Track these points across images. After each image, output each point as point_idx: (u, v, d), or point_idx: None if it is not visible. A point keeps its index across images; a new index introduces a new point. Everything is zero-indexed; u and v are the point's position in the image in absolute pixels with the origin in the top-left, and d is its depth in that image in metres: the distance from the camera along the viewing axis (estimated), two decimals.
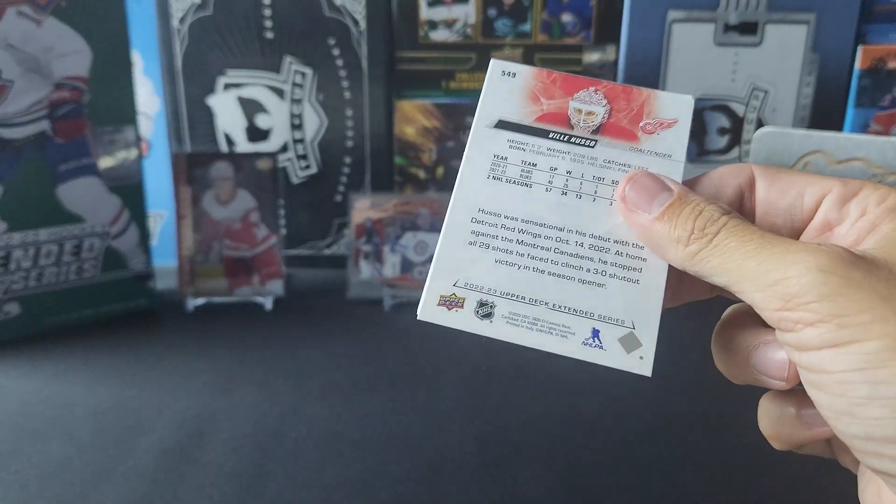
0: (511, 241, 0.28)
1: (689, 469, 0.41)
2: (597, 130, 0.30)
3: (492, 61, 0.31)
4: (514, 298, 0.27)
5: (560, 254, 0.28)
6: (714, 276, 0.25)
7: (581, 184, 0.29)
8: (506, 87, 0.31)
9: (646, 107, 0.31)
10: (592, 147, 0.30)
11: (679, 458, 0.42)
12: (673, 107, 0.32)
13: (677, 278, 0.28)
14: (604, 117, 0.30)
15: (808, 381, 0.24)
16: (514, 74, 0.31)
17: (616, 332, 0.27)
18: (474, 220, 0.28)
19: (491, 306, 0.26)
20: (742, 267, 0.24)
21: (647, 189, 0.27)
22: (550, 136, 0.30)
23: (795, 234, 0.27)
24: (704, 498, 0.39)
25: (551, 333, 0.27)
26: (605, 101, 0.31)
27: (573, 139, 0.30)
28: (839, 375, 0.22)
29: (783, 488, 0.39)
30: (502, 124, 0.30)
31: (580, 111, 0.31)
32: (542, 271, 0.28)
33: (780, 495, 0.38)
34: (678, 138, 0.30)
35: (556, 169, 0.29)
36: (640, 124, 0.30)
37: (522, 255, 0.28)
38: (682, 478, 0.40)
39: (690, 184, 0.28)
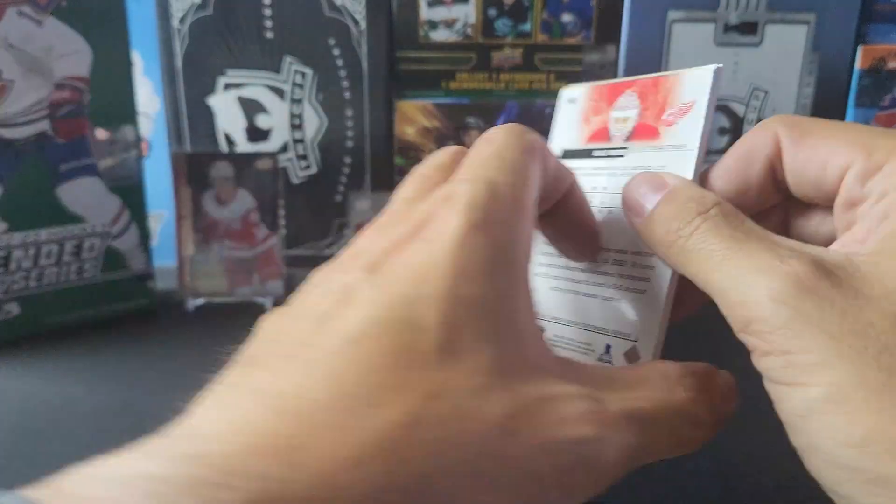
0: (559, 266, 0.28)
1: (688, 469, 0.41)
2: (629, 136, 0.28)
3: (560, 90, 0.30)
4: (557, 322, 0.27)
5: (592, 273, 0.28)
6: (697, 282, 0.23)
7: (613, 198, 0.28)
8: (569, 113, 0.31)
9: (670, 95, 0.29)
10: (623, 156, 0.28)
11: (679, 458, 0.42)
12: (691, 86, 0.30)
13: (686, 283, 0.27)
14: (635, 120, 0.29)
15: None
16: (575, 99, 0.31)
17: (623, 346, 0.27)
18: (539, 252, 0.28)
19: (541, 331, 0.27)
20: (709, 279, 0.22)
21: (641, 190, 0.26)
22: (593, 154, 0.29)
23: (830, 203, 0.25)
24: (704, 498, 0.39)
25: (577, 351, 0.27)
26: (637, 102, 0.29)
27: (610, 152, 0.29)
28: (784, 416, 0.20)
29: (784, 488, 0.39)
30: (566, 154, 0.30)
31: (617, 119, 0.29)
32: (578, 293, 0.28)
33: (780, 495, 0.38)
34: (693, 123, 0.27)
35: (595, 188, 0.29)
36: (663, 117, 0.28)
37: (566, 279, 0.28)
38: (683, 477, 0.40)
39: (716, 170, 0.27)
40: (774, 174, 0.26)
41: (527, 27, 0.65)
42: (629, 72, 0.64)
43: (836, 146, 0.24)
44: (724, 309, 0.22)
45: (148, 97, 0.67)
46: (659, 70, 0.64)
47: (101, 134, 0.56)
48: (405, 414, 0.17)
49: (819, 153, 0.24)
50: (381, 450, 0.16)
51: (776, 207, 0.27)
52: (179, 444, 0.17)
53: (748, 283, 0.21)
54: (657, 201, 0.25)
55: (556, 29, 0.64)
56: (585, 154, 0.29)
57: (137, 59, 0.65)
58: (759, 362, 0.21)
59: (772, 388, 0.21)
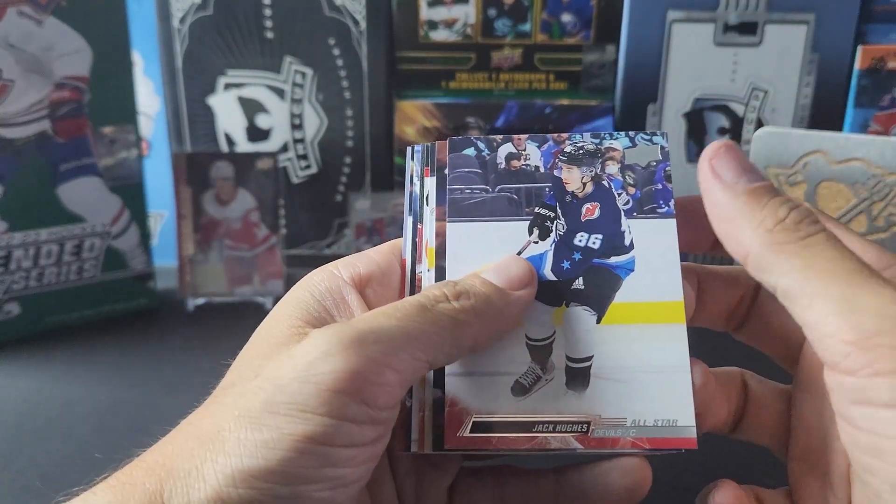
0: None
1: (688, 468, 0.41)
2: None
3: None
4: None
5: None
6: (782, 276, 0.22)
7: None
8: None
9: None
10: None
11: (678, 458, 0.42)
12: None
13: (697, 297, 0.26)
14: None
15: (861, 446, 0.20)
16: None
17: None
18: None
19: None
20: (824, 279, 0.21)
21: (739, 162, 0.25)
22: None
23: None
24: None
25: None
26: None
27: None
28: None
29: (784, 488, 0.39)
30: None
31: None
32: None
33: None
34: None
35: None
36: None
37: None
38: (681, 477, 0.40)
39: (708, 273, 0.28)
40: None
41: (526, 27, 0.65)
42: (629, 71, 0.64)
43: (849, 244, 0.23)
44: (833, 316, 0.20)
45: (148, 97, 0.67)
46: (658, 70, 0.64)
47: (108, 131, 0.56)
48: None
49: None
50: None
51: None
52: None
53: (891, 297, 0.20)
54: (761, 182, 0.24)
55: (556, 29, 0.64)
56: None
57: (137, 58, 0.65)
58: (871, 382, 0.19)
59: (880, 415, 0.19)
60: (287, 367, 0.23)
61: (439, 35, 0.65)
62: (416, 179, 0.30)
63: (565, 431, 0.27)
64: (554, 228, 0.28)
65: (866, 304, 0.20)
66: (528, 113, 0.65)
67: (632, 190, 0.28)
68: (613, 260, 0.28)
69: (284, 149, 0.68)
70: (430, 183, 0.30)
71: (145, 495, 0.21)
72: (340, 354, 0.22)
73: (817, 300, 0.21)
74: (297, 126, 0.67)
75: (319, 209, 0.69)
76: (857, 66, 0.61)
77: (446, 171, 0.30)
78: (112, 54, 0.55)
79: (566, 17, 0.64)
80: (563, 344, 0.27)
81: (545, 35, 0.65)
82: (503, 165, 0.29)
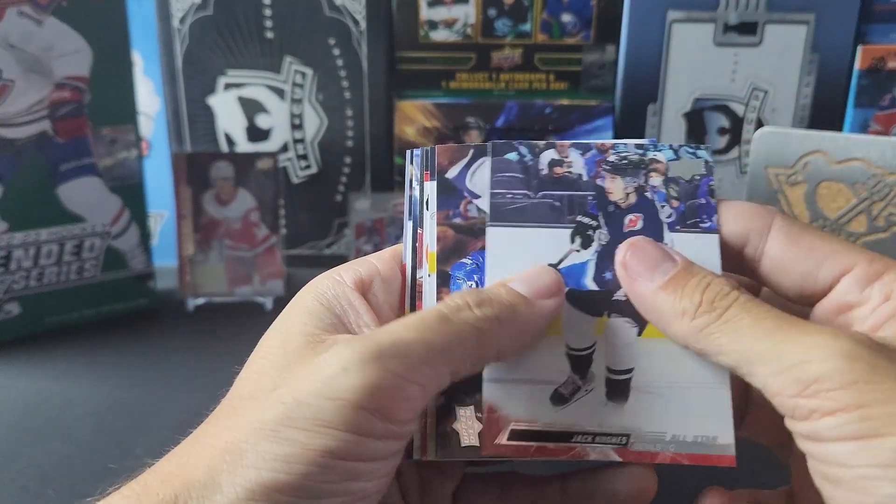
0: None
1: (686, 468, 0.41)
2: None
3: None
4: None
5: None
6: (720, 356, 0.24)
7: None
8: None
9: None
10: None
11: None
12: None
13: None
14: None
15: (820, 475, 0.22)
16: None
17: None
18: None
19: None
20: (754, 348, 0.22)
21: (649, 255, 0.26)
22: None
23: (803, 301, 0.26)
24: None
25: None
26: None
27: None
28: (860, 470, 0.20)
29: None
30: None
31: None
32: None
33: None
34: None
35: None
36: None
37: None
38: (681, 478, 0.40)
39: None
40: (744, 248, 0.27)
41: (526, 27, 0.65)
42: (629, 71, 0.64)
43: (835, 249, 0.25)
44: (773, 377, 0.22)
45: (148, 97, 0.67)
46: (658, 70, 0.64)
47: (108, 131, 0.56)
48: None
49: (815, 251, 0.25)
50: None
51: None
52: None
53: (811, 343, 0.21)
54: (673, 271, 0.25)
55: (556, 29, 0.64)
56: None
57: (137, 59, 0.65)
58: (820, 423, 0.21)
59: (833, 449, 0.21)
60: (307, 381, 0.23)
61: (439, 35, 0.65)
62: (415, 183, 0.30)
63: (605, 443, 0.27)
64: (596, 238, 0.28)
65: (794, 357, 0.21)
66: (528, 113, 0.65)
67: (675, 203, 0.28)
68: None
69: (284, 149, 0.68)
70: (431, 187, 0.29)
71: None
72: (361, 370, 0.22)
73: (755, 367, 0.22)
74: (297, 126, 0.67)
75: (319, 209, 0.69)
76: (857, 66, 0.61)
77: (447, 176, 0.30)
78: (112, 54, 0.55)
79: (566, 17, 0.64)
80: (604, 355, 0.27)
81: (545, 35, 0.65)
82: (546, 171, 0.29)
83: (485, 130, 0.66)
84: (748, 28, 0.61)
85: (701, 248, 0.27)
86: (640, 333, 0.27)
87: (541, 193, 0.29)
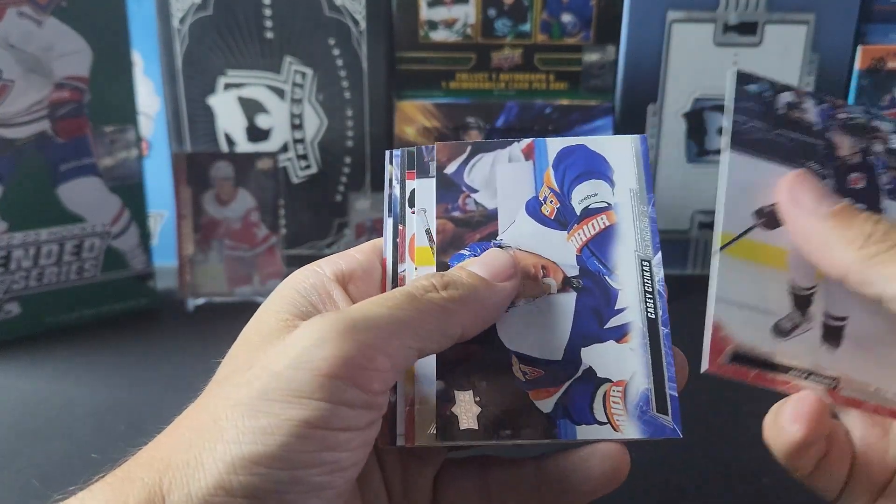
0: None
1: (688, 468, 0.41)
2: None
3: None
4: None
5: None
6: (887, 283, 0.24)
7: None
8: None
9: None
10: None
11: (678, 458, 0.42)
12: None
13: None
14: None
15: None
16: None
17: None
18: None
19: None
20: None
21: (816, 188, 0.27)
22: None
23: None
24: (704, 498, 0.39)
25: None
26: None
27: None
28: None
29: (784, 488, 0.39)
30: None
31: None
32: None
33: (780, 495, 0.38)
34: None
35: None
36: None
37: None
38: (681, 477, 0.40)
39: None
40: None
41: (526, 27, 0.65)
42: (629, 71, 0.64)
43: None
44: None
45: (148, 97, 0.67)
46: (658, 70, 0.64)
47: (108, 131, 0.56)
48: None
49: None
50: None
51: None
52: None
53: None
54: (840, 204, 0.26)
55: (556, 29, 0.65)
56: None
57: (137, 59, 0.65)
58: None
59: None
60: (281, 356, 0.23)
61: (439, 35, 0.65)
62: (395, 183, 0.32)
63: (817, 383, 0.28)
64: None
65: None
66: (528, 113, 0.65)
67: (894, 173, 0.29)
68: None
69: (284, 149, 0.68)
70: (419, 185, 0.31)
71: (144, 490, 0.22)
72: (334, 341, 0.23)
73: None
74: (297, 126, 0.67)
75: (319, 209, 0.69)
76: (857, 66, 0.61)
77: (446, 172, 0.31)
78: (112, 54, 0.55)
79: (566, 18, 0.64)
80: (824, 298, 0.28)
81: (545, 35, 0.65)
82: (783, 111, 0.30)
83: (485, 130, 0.66)
84: (748, 28, 0.61)
85: None
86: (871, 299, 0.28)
87: (777, 131, 0.29)
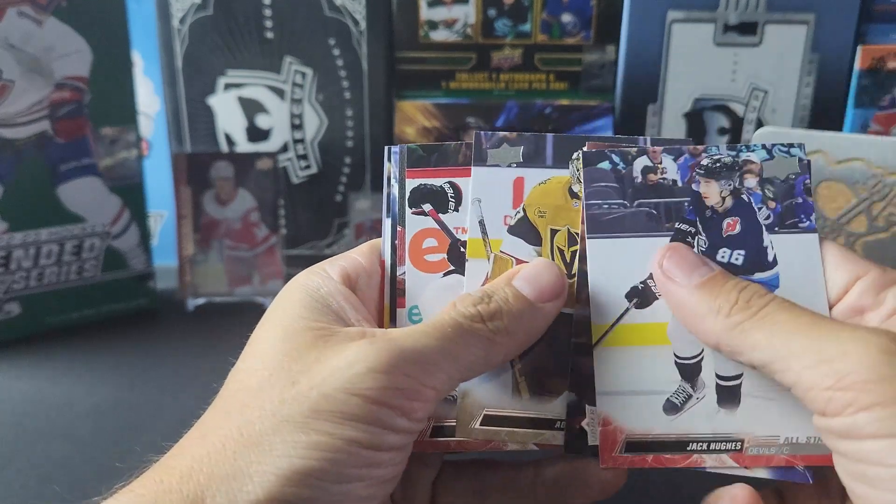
0: None
1: (688, 469, 0.41)
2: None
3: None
4: None
5: None
6: (753, 352, 0.24)
7: None
8: None
9: None
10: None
11: None
12: None
13: None
14: None
15: (852, 475, 0.22)
16: None
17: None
18: None
19: None
20: (789, 343, 0.23)
21: (687, 260, 0.27)
22: None
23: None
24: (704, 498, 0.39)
25: None
26: None
27: None
28: (888, 470, 0.20)
29: (783, 488, 0.39)
30: None
31: None
32: None
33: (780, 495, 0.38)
34: None
35: None
36: None
37: None
38: (681, 477, 0.40)
39: None
40: None
41: (526, 27, 0.65)
42: (629, 71, 0.64)
43: (848, 258, 0.26)
44: (808, 370, 0.22)
45: (148, 97, 0.67)
46: (658, 70, 0.64)
47: (108, 131, 0.56)
48: None
49: (828, 265, 0.26)
50: None
51: None
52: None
53: (848, 338, 0.22)
54: (710, 274, 0.26)
55: (556, 29, 0.64)
56: None
57: (137, 59, 0.65)
58: (855, 418, 0.21)
59: (868, 446, 0.21)
60: (330, 378, 0.24)
61: (439, 35, 0.65)
62: (394, 181, 0.31)
63: (720, 451, 0.27)
64: (696, 245, 0.28)
65: (831, 351, 0.22)
66: (528, 113, 0.65)
67: (772, 204, 0.28)
68: (757, 276, 0.28)
69: (284, 149, 0.68)
70: (479, 173, 0.30)
71: (185, 502, 0.22)
72: (386, 373, 0.23)
73: (790, 362, 0.23)
74: (297, 126, 0.67)
75: (319, 209, 0.69)
76: (857, 66, 0.61)
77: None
78: (112, 54, 0.55)
79: (566, 18, 0.64)
80: (712, 362, 0.27)
81: (545, 35, 0.65)
82: (640, 179, 0.29)
83: (485, 131, 0.66)
84: (748, 28, 0.61)
85: (802, 249, 0.27)
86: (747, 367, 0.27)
87: (637, 202, 0.29)
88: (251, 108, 0.67)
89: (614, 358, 0.27)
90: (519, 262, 0.29)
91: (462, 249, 0.31)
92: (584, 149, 0.29)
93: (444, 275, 0.30)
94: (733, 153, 0.29)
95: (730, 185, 0.28)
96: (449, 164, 0.31)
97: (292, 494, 0.22)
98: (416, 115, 0.66)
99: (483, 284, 0.29)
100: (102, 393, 0.49)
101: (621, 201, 0.29)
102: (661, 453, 0.27)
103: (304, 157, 0.68)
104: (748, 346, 0.24)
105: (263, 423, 0.23)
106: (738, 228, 0.28)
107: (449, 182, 0.31)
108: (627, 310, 0.28)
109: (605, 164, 0.29)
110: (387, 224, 0.31)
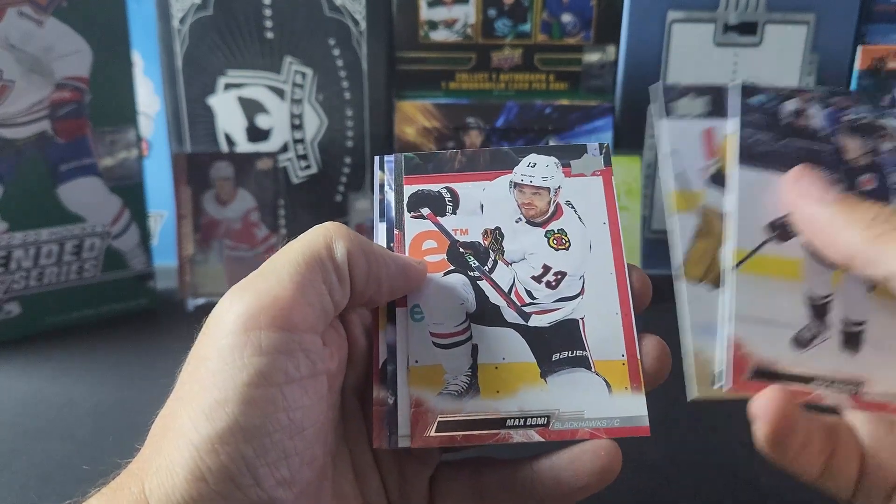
0: None
1: (687, 468, 0.41)
2: None
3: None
4: None
5: None
6: (892, 262, 0.24)
7: None
8: None
9: None
10: None
11: (676, 458, 0.42)
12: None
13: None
14: None
15: None
16: None
17: None
18: None
19: None
20: None
21: (822, 179, 0.27)
22: None
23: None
24: (703, 498, 0.39)
25: None
26: None
27: None
28: None
29: (783, 488, 0.39)
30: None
31: None
32: None
33: (779, 495, 0.38)
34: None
35: None
36: None
37: None
38: (680, 478, 0.40)
39: None
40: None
41: (526, 27, 0.65)
42: (629, 71, 0.64)
43: None
44: None
45: (148, 97, 0.67)
46: (658, 70, 0.64)
47: (108, 131, 0.56)
48: None
49: None
50: None
51: None
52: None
53: None
54: (838, 192, 0.27)
55: (556, 29, 0.65)
56: None
57: (137, 59, 0.65)
58: None
59: None
60: (204, 341, 0.25)
61: (439, 35, 0.65)
62: (388, 188, 0.32)
63: (839, 391, 0.28)
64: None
65: None
66: (528, 113, 0.65)
67: None
68: None
69: (284, 149, 0.68)
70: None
71: (132, 498, 0.23)
72: (237, 299, 0.25)
73: None
74: (297, 126, 0.67)
75: (319, 209, 0.69)
76: (857, 66, 0.61)
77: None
78: (112, 54, 0.55)
79: (566, 18, 0.64)
80: (841, 305, 0.29)
81: (545, 35, 0.65)
82: (788, 120, 0.30)
83: (485, 131, 0.66)
84: (748, 28, 0.61)
85: None
86: (870, 290, 0.28)
87: (784, 140, 0.30)
88: (251, 108, 0.67)
89: (752, 284, 0.28)
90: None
91: (461, 250, 0.31)
92: (742, 81, 0.30)
93: (445, 274, 0.31)
94: (875, 114, 0.30)
95: (869, 144, 0.30)
96: (445, 171, 0.33)
97: (207, 468, 0.22)
98: (416, 115, 0.66)
99: (694, 237, 0.29)
100: (102, 393, 0.49)
101: (771, 135, 0.30)
102: (786, 384, 0.28)
103: (304, 157, 0.68)
104: (888, 255, 0.24)
105: (174, 408, 0.25)
106: (872, 186, 0.29)
107: (446, 187, 0.32)
108: (768, 240, 0.29)
109: (759, 98, 0.30)
110: (381, 228, 0.32)
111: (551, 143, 0.65)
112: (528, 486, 0.29)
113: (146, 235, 0.60)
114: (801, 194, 0.27)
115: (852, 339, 0.28)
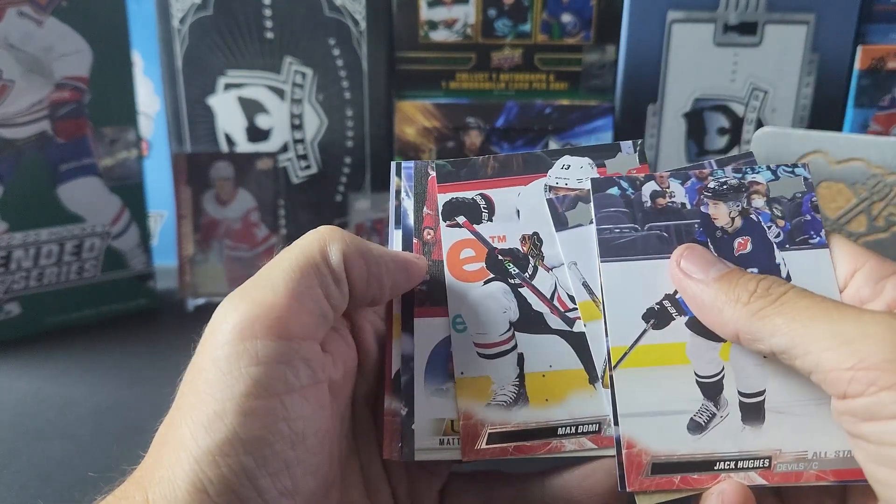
0: None
1: None
2: None
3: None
4: None
5: None
6: (773, 337, 0.24)
7: None
8: None
9: None
10: None
11: None
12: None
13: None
14: None
15: (874, 458, 0.22)
16: None
17: None
18: None
19: None
20: (809, 326, 0.23)
21: (704, 257, 0.27)
22: None
23: None
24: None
25: None
26: None
27: None
28: None
29: (783, 488, 0.39)
30: None
31: None
32: None
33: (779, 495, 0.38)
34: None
35: None
36: None
37: None
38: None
39: None
40: None
41: (526, 27, 0.65)
42: (629, 71, 0.64)
43: (849, 250, 0.27)
44: (828, 352, 0.22)
45: (148, 97, 0.67)
46: (658, 70, 0.64)
47: (108, 131, 0.56)
48: None
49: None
50: None
51: None
52: None
53: (869, 321, 0.22)
54: (726, 269, 0.27)
55: (556, 29, 0.64)
56: None
57: (137, 59, 0.65)
58: (877, 398, 0.21)
59: (891, 427, 0.21)
60: (201, 352, 0.25)
61: (439, 35, 0.65)
62: (405, 195, 0.32)
63: (748, 468, 0.27)
64: None
65: (853, 333, 0.22)
66: (528, 113, 0.65)
67: (781, 223, 0.29)
68: None
69: (284, 149, 0.68)
70: (568, 237, 0.30)
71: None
72: (232, 308, 0.24)
73: (810, 346, 0.23)
74: (297, 126, 0.67)
75: (319, 209, 0.69)
76: (857, 66, 0.61)
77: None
78: (112, 54, 0.55)
79: (566, 18, 0.64)
80: (734, 379, 0.27)
81: (545, 35, 0.65)
82: (649, 204, 0.30)
83: (485, 131, 0.66)
84: (748, 28, 0.61)
85: (814, 264, 0.28)
86: (764, 357, 0.27)
87: (647, 226, 0.29)
88: (251, 108, 0.67)
89: (635, 379, 0.27)
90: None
91: (499, 258, 0.31)
92: (592, 176, 0.30)
93: (485, 283, 0.31)
94: (739, 175, 0.29)
95: (738, 205, 0.29)
96: (479, 178, 0.32)
97: (208, 480, 0.22)
98: (416, 115, 0.66)
99: (606, 343, 0.28)
100: (102, 393, 0.49)
101: (632, 225, 0.29)
102: (687, 474, 0.27)
103: (304, 157, 0.68)
104: (768, 331, 0.24)
105: (174, 419, 0.24)
106: (749, 247, 0.29)
107: (480, 194, 0.32)
108: (645, 331, 0.28)
109: (614, 190, 0.30)
110: (396, 235, 0.31)
111: (551, 144, 0.65)
112: (539, 502, 0.29)
113: (146, 235, 0.60)
114: (685, 275, 0.27)
115: (753, 412, 0.27)
